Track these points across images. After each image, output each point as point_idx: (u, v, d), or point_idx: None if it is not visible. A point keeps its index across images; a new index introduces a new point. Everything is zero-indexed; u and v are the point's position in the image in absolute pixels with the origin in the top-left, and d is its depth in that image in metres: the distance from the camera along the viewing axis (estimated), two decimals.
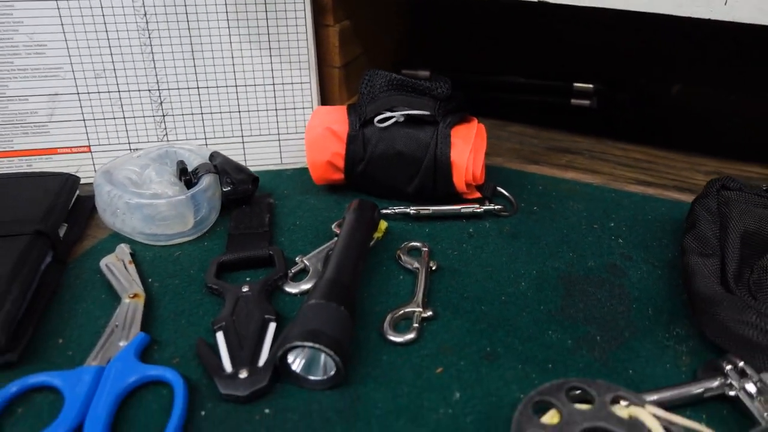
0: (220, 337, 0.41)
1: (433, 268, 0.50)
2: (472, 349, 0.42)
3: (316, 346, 0.36)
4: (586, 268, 0.52)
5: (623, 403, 0.34)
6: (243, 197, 0.57)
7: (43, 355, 0.41)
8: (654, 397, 0.37)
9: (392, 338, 0.43)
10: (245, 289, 0.46)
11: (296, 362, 0.39)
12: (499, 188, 0.62)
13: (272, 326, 0.43)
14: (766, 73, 0.79)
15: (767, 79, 0.79)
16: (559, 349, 0.43)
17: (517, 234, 0.57)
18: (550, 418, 0.33)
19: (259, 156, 0.68)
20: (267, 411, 0.37)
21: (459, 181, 0.57)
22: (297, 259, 0.51)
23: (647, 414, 0.33)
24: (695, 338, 0.44)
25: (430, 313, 0.45)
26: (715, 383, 0.38)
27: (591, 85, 0.81)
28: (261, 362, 0.39)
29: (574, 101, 0.83)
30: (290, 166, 0.68)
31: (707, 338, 0.43)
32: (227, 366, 0.39)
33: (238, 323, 0.42)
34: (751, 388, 0.36)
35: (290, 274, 0.49)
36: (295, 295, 0.48)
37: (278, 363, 0.38)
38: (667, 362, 0.42)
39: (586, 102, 0.83)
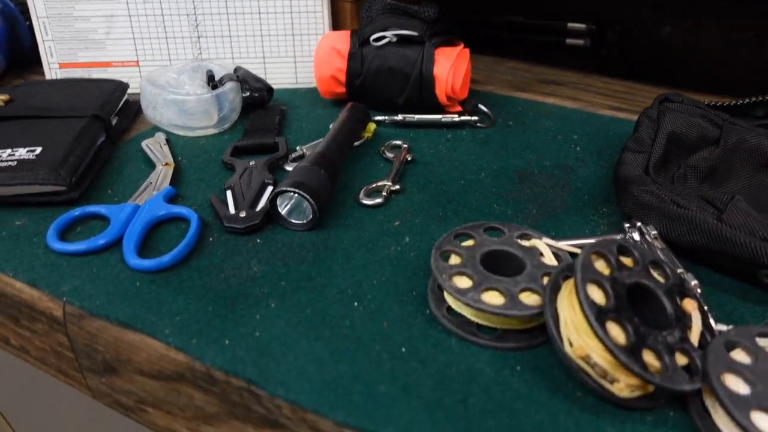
0: (228, 193, 0.53)
1: (409, 159, 0.61)
2: (427, 214, 0.53)
3: (297, 191, 0.47)
4: (541, 166, 0.61)
5: (528, 240, 0.44)
6: (259, 102, 0.68)
7: (97, 197, 0.54)
8: (561, 243, 0.47)
9: (364, 201, 0.53)
10: (252, 163, 0.57)
11: (283, 207, 0.50)
12: (480, 105, 0.71)
13: (269, 188, 0.54)
14: (753, 18, 0.83)
15: (753, 24, 0.84)
16: (498, 216, 0.52)
17: (488, 140, 0.66)
18: (466, 243, 0.43)
19: (277, 75, 0.78)
20: (258, 240, 0.49)
21: (440, 93, 0.66)
22: (297, 147, 0.62)
23: (542, 243, 0.43)
24: (617, 215, 0.53)
25: (398, 187, 0.55)
26: (617, 237, 0.47)
27: (584, 25, 0.88)
28: (258, 208, 0.51)
29: (569, 41, 0.90)
30: (304, 85, 0.79)
31: (623, 211, 0.51)
32: (232, 209, 0.51)
33: (244, 185, 0.54)
34: (636, 236, 0.45)
35: (291, 157, 0.60)
36: None
37: (269, 207, 0.49)
38: (587, 230, 0.51)
39: (581, 41, 0.90)
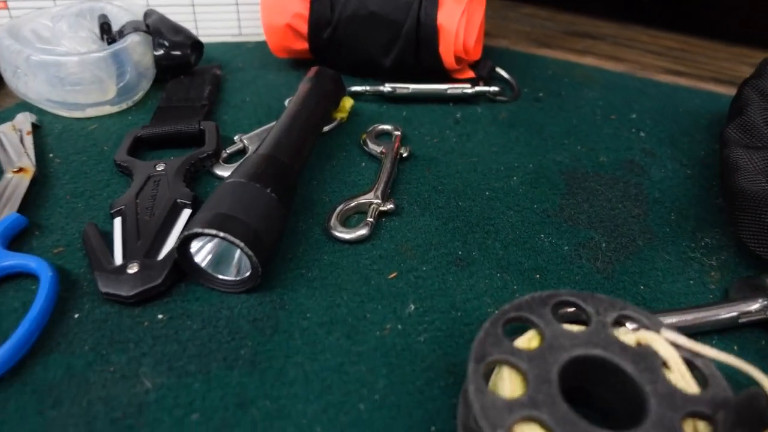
0: (117, 223, 0.33)
1: (404, 155, 0.40)
2: (439, 252, 0.33)
3: (221, 234, 0.27)
4: (596, 163, 0.41)
5: (630, 326, 0.25)
6: (180, 64, 0.46)
7: None
8: (672, 319, 0.28)
9: (338, 234, 0.33)
10: (160, 167, 0.36)
11: (203, 256, 0.30)
12: (499, 69, 0.51)
13: (185, 213, 0.33)
14: None
15: None
16: (551, 256, 0.33)
17: (514, 122, 0.46)
18: (528, 341, 0.24)
19: (214, 25, 0.56)
20: (160, 317, 0.29)
21: (447, 52, 0.46)
22: (236, 138, 0.41)
23: (662, 341, 0.24)
24: (729, 249, 0.34)
25: (390, 206, 0.35)
26: (754, 306, 0.29)
27: None
28: (161, 255, 0.30)
29: None
30: (251, 38, 0.57)
31: (747, 247, 0.33)
32: (117, 258, 0.30)
33: (143, 208, 0.33)
34: None
35: (224, 155, 0.39)
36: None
37: (178, 257, 0.29)
38: (691, 277, 0.32)
39: None
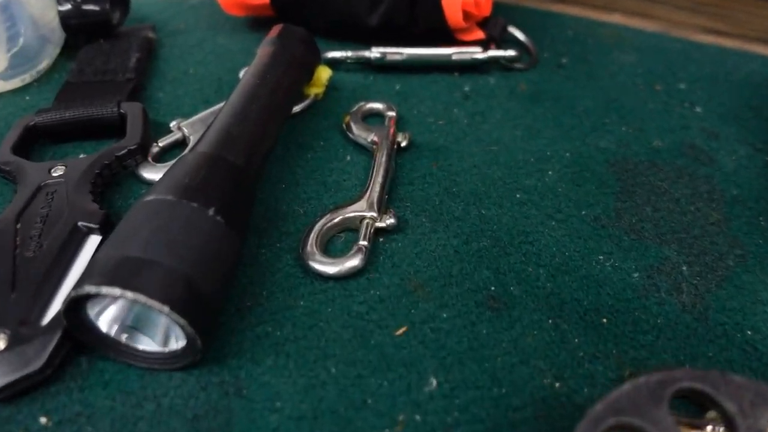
0: None
1: (403, 144, 0.30)
2: (463, 288, 0.23)
3: (128, 294, 0.17)
4: (649, 149, 0.32)
5: None
6: (96, 24, 0.35)
7: None
8: None
9: (319, 267, 0.23)
10: (58, 171, 0.25)
11: (109, 319, 0.19)
12: (511, 28, 0.40)
13: (91, 243, 0.23)
14: None
15: None
16: (618, 287, 0.24)
17: (538, 95, 0.36)
18: None
19: None
20: (44, 421, 0.18)
21: (452, 5, 0.35)
22: (172, 125, 0.30)
23: None
24: None
25: (390, 220, 0.25)
26: None
27: None
28: (46, 319, 0.20)
29: None
30: None
31: None
32: None
33: (25, 236, 0.22)
34: None
35: (155, 149, 0.28)
36: None
37: (69, 324, 0.19)
38: None
39: None
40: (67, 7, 0.34)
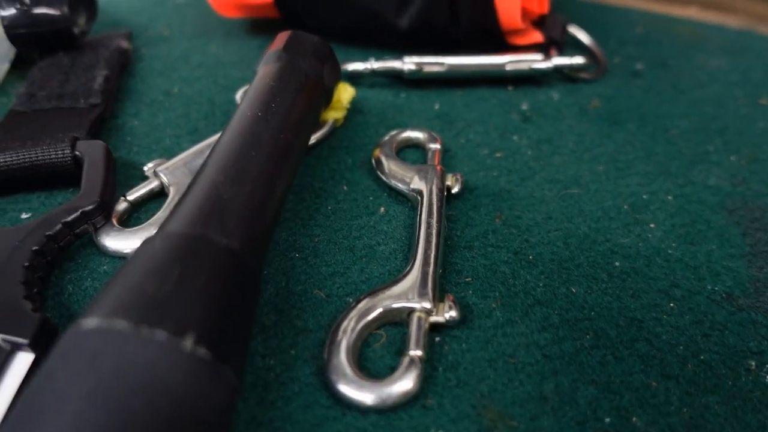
0: None
1: (454, 190, 0.23)
2: (564, 421, 0.16)
3: None
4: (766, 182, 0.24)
5: None
6: (52, 33, 0.27)
7: None
8: None
9: (352, 394, 0.16)
10: None
11: None
12: (572, 28, 0.33)
13: (20, 364, 0.15)
14: None
15: None
16: None
17: (616, 115, 0.28)
18: None
19: None
20: None
21: (506, 3, 0.27)
22: (146, 168, 0.23)
23: None
24: None
25: (452, 313, 0.18)
26: None
27: None
28: None
29: None
30: None
31: None
32: None
33: None
34: None
35: (122, 206, 0.21)
36: (125, 257, 0.20)
37: None
38: None
39: None
40: (12, 11, 0.26)
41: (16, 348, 0.16)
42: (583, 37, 0.32)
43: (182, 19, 0.34)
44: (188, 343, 0.12)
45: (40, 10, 0.26)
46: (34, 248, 0.18)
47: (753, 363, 0.18)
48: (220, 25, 0.34)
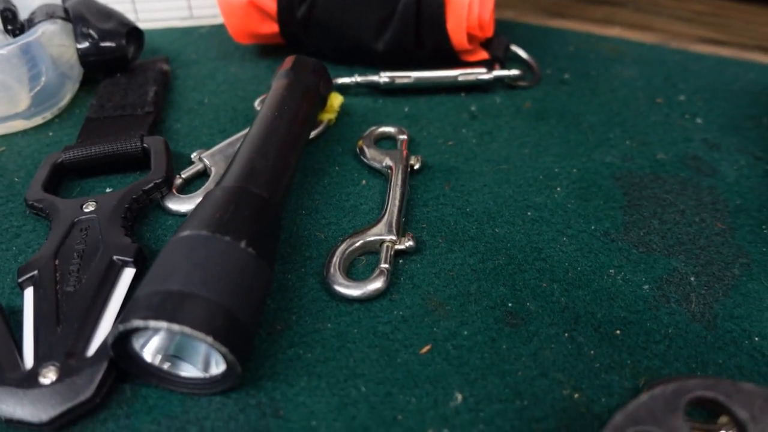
0: (28, 297, 0.23)
1: (416, 166, 0.31)
2: (482, 305, 0.24)
3: (174, 327, 0.18)
4: (654, 162, 0.33)
5: None
6: (114, 60, 0.36)
7: None
8: None
9: (344, 291, 0.24)
10: (89, 207, 0.26)
11: (153, 349, 0.20)
12: (514, 47, 0.42)
13: (126, 276, 0.24)
14: None
15: None
16: (629, 300, 0.25)
17: (543, 113, 0.37)
18: None
19: (157, 6, 0.45)
20: None
21: (457, 29, 0.36)
22: (193, 156, 0.31)
23: None
24: None
25: (409, 242, 0.26)
26: None
27: None
28: (91, 348, 0.21)
29: None
30: (205, 21, 0.46)
31: None
32: (27, 358, 0.21)
33: (65, 271, 0.23)
34: None
35: (178, 181, 0.30)
36: (184, 215, 0.28)
37: (116, 355, 0.20)
38: None
39: None
40: (86, 44, 0.35)
41: (124, 264, 0.24)
42: (522, 53, 0.41)
43: (206, 45, 0.43)
44: (242, 244, 0.21)
45: (105, 44, 0.35)
46: (126, 206, 0.26)
47: (612, 271, 0.26)
48: (237, 49, 0.43)
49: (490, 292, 0.25)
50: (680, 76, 0.41)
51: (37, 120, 0.34)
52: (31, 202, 0.27)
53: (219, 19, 0.45)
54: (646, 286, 0.26)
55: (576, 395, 0.21)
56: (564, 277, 0.26)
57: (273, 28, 0.39)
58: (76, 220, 0.26)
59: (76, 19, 0.35)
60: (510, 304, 0.25)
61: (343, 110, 0.36)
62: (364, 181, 0.31)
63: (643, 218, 0.29)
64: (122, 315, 0.19)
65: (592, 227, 0.29)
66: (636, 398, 0.17)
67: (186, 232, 0.21)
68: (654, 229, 0.29)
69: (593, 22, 0.50)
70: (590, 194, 0.31)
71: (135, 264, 0.24)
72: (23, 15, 0.36)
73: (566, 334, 0.23)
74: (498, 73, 0.38)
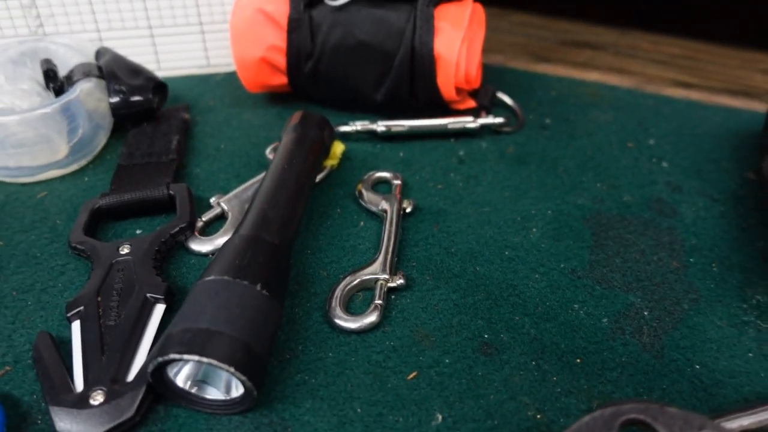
0: (76, 330, 0.27)
1: (408, 210, 0.35)
2: (461, 337, 0.28)
3: (204, 360, 0.22)
4: (621, 204, 0.37)
5: None
6: (141, 111, 0.40)
7: None
8: (740, 422, 0.24)
9: (342, 324, 0.28)
10: (125, 250, 0.31)
11: (184, 376, 0.25)
12: (500, 94, 0.46)
13: (158, 311, 0.28)
14: None
15: None
16: (590, 332, 0.29)
17: (524, 157, 0.41)
18: None
19: (177, 56, 0.50)
20: None
21: (446, 83, 0.41)
22: (212, 200, 0.36)
23: None
24: None
25: (400, 280, 0.30)
26: None
27: None
28: (131, 374, 0.25)
29: None
30: (221, 69, 0.51)
31: None
32: (78, 382, 0.25)
33: (106, 307, 0.28)
34: None
35: (199, 224, 0.34)
36: (205, 255, 0.33)
37: (153, 382, 0.24)
38: (749, 348, 0.28)
39: None
40: (116, 99, 0.39)
41: (156, 301, 0.28)
42: (508, 100, 0.46)
43: (222, 93, 0.48)
44: (258, 287, 0.25)
45: (134, 98, 0.40)
46: (156, 248, 0.31)
47: (576, 306, 0.30)
48: (250, 97, 0.47)
49: (470, 325, 0.29)
50: (652, 120, 0.46)
51: (74, 167, 0.39)
52: (74, 245, 0.31)
53: (233, 67, 0.50)
54: (605, 320, 0.30)
55: (539, 416, 0.25)
56: (534, 311, 0.30)
57: (282, 80, 0.43)
58: (114, 261, 0.30)
59: (108, 77, 0.40)
60: (486, 336, 0.29)
61: (345, 156, 0.40)
62: (362, 223, 0.35)
63: (608, 257, 0.33)
64: (159, 348, 0.23)
65: (562, 265, 0.33)
66: (578, 419, 0.21)
67: (211, 277, 0.25)
68: (616, 267, 0.33)
69: (576, 66, 0.54)
70: (562, 234, 0.35)
71: (165, 300, 0.28)
72: (62, 72, 0.40)
73: (534, 363, 0.27)
74: (483, 121, 0.42)
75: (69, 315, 0.28)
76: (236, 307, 0.24)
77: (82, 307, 0.28)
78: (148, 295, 0.28)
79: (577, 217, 0.36)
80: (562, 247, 0.34)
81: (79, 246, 0.31)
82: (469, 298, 0.30)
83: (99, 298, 0.28)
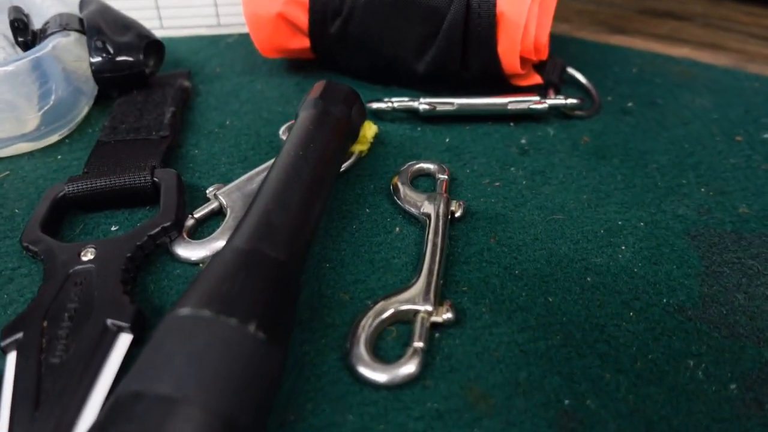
0: (10, 365, 0.20)
1: (457, 214, 0.27)
2: (532, 401, 0.21)
3: None
4: (735, 216, 0.28)
5: None
6: (130, 75, 0.33)
7: None
8: None
9: (368, 374, 0.21)
10: (87, 255, 0.23)
11: None
12: (571, 70, 0.37)
13: (122, 344, 0.21)
14: None
15: None
16: (713, 402, 0.21)
17: (603, 150, 0.32)
18: None
19: (183, 13, 0.42)
20: None
21: (509, 52, 0.32)
22: (209, 192, 0.28)
23: None
24: None
25: (447, 314, 0.23)
26: None
27: None
28: None
29: None
30: (233, 29, 0.43)
31: None
32: None
33: (52, 336, 0.20)
34: None
35: (190, 222, 0.26)
36: (195, 264, 0.25)
37: None
38: None
39: None
40: (99, 59, 0.32)
41: (120, 330, 0.21)
42: (580, 77, 0.37)
43: (232, 57, 0.40)
44: (252, 328, 0.18)
45: (121, 58, 0.32)
46: (128, 254, 0.23)
47: (691, 363, 0.22)
48: (264, 63, 0.39)
49: (543, 383, 0.21)
50: (763, 108, 0.36)
51: (46, 141, 0.32)
52: (26, 244, 0.24)
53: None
54: (733, 385, 0.21)
55: None
56: (632, 366, 0.22)
57: (304, 42, 0.35)
58: (71, 271, 0.23)
59: (90, 31, 0.32)
60: (567, 401, 0.21)
61: (377, 140, 0.32)
62: (397, 228, 0.27)
63: (726, 290, 0.25)
64: (98, 425, 0.16)
65: (664, 300, 0.24)
66: None
67: (185, 310, 0.18)
68: (739, 307, 0.24)
69: (658, 38, 0.45)
70: (660, 256, 0.26)
71: (132, 329, 0.21)
72: (37, 24, 0.33)
73: None
74: (553, 101, 0.33)
75: (4, 345, 0.21)
76: (216, 359, 0.16)
77: (21, 334, 0.20)
78: (109, 321, 0.21)
79: (678, 232, 0.27)
80: (662, 273, 0.25)
81: (31, 247, 0.24)
82: (540, 343, 0.22)
83: (44, 323, 0.21)
